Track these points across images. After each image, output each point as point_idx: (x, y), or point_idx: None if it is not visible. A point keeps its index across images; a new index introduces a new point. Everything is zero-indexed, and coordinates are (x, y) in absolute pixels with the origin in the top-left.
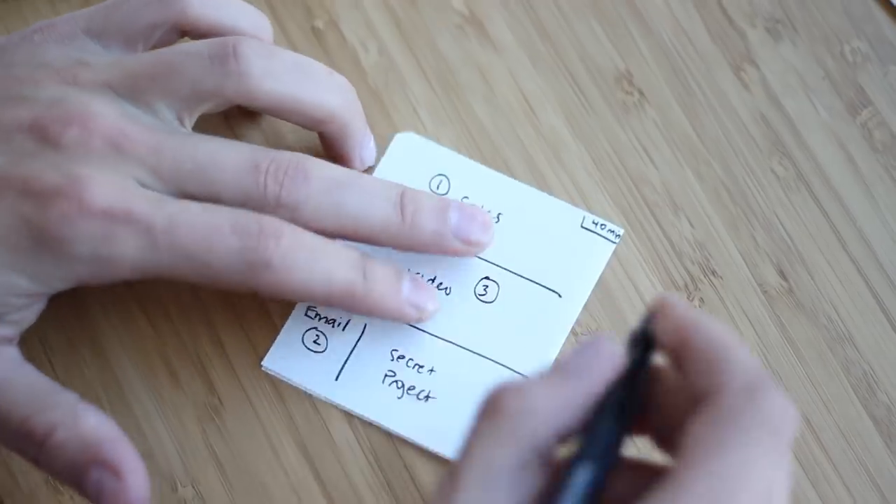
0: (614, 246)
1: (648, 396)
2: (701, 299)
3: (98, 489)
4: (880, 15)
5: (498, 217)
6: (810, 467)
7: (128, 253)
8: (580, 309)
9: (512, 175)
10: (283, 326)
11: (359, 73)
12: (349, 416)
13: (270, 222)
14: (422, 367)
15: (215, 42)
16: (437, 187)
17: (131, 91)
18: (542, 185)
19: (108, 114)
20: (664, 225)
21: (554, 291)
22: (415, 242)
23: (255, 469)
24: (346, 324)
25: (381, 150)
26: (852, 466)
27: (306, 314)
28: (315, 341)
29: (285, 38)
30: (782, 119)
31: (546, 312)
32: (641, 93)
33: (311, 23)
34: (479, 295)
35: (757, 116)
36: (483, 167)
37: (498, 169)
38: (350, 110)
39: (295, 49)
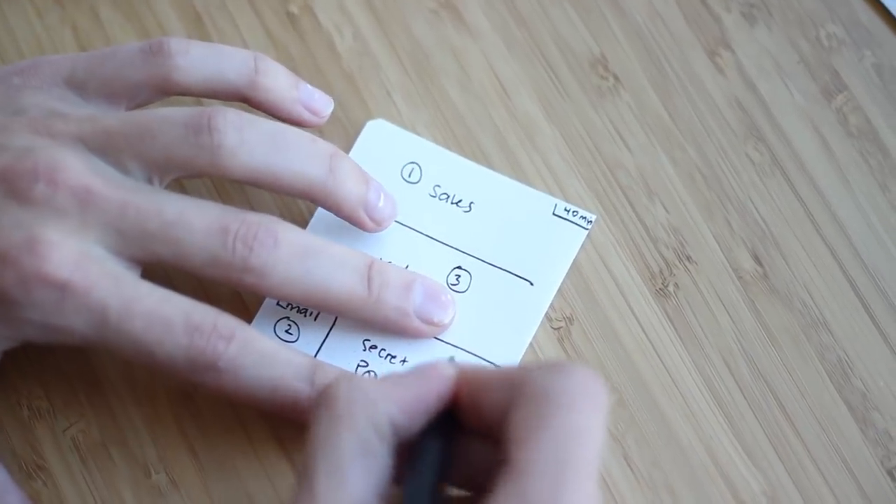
0: (586, 232)
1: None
2: (676, 284)
3: None
4: (855, 0)
5: (470, 206)
6: (785, 454)
7: (77, 327)
8: (552, 296)
9: (486, 160)
10: (255, 315)
11: (333, 58)
12: None
13: (225, 322)
14: (394, 357)
15: (193, 111)
16: (409, 175)
17: (104, 148)
18: (516, 169)
19: (76, 168)
20: (639, 210)
21: (526, 280)
22: (377, 317)
23: (229, 455)
24: (318, 313)
25: (353, 137)
26: (827, 453)
27: (278, 303)
28: (287, 331)
29: (260, 22)
30: (757, 103)
31: (518, 301)
32: (616, 77)
33: (286, 8)
34: (452, 284)
35: (732, 101)
36: (455, 155)
37: (472, 154)
38: (335, 179)
39: (269, 34)
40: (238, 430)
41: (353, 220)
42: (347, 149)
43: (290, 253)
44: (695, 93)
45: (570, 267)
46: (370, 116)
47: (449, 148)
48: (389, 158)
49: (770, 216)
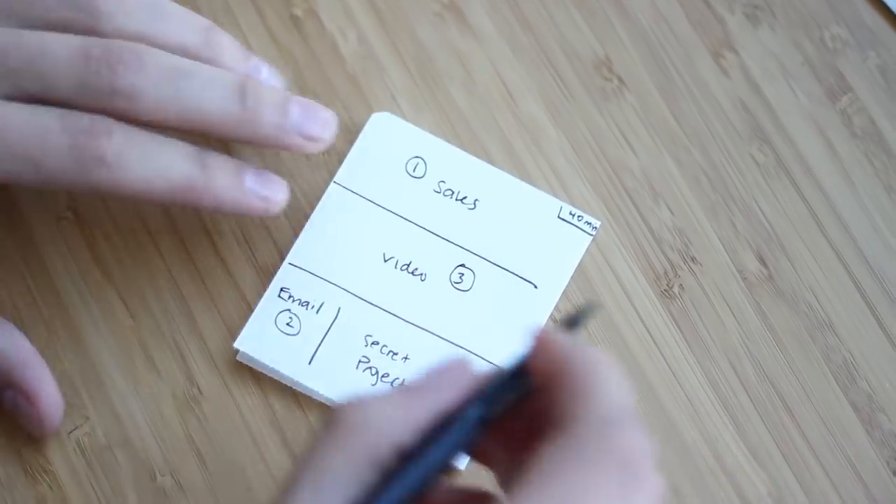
0: (591, 238)
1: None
2: (681, 286)
3: (13, 407)
4: (859, 1)
5: (475, 203)
6: (791, 455)
7: None
8: (556, 300)
9: (490, 163)
10: (254, 307)
11: (337, 61)
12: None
13: (101, 120)
14: (396, 353)
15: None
16: (414, 169)
17: None
18: (521, 172)
19: None
20: (644, 211)
21: (529, 282)
22: (255, 135)
23: (235, 457)
24: (321, 307)
25: (358, 130)
26: (833, 454)
27: (279, 295)
28: (288, 323)
29: (264, 25)
30: (762, 105)
31: (521, 303)
32: (621, 79)
33: (290, 10)
34: (455, 283)
35: (736, 102)
36: (461, 151)
37: (476, 156)
38: (210, 49)
39: (273, 37)
40: (244, 433)
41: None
42: (352, 143)
43: (158, 74)
44: (699, 95)
45: (574, 274)
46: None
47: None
48: (394, 152)
49: (775, 218)
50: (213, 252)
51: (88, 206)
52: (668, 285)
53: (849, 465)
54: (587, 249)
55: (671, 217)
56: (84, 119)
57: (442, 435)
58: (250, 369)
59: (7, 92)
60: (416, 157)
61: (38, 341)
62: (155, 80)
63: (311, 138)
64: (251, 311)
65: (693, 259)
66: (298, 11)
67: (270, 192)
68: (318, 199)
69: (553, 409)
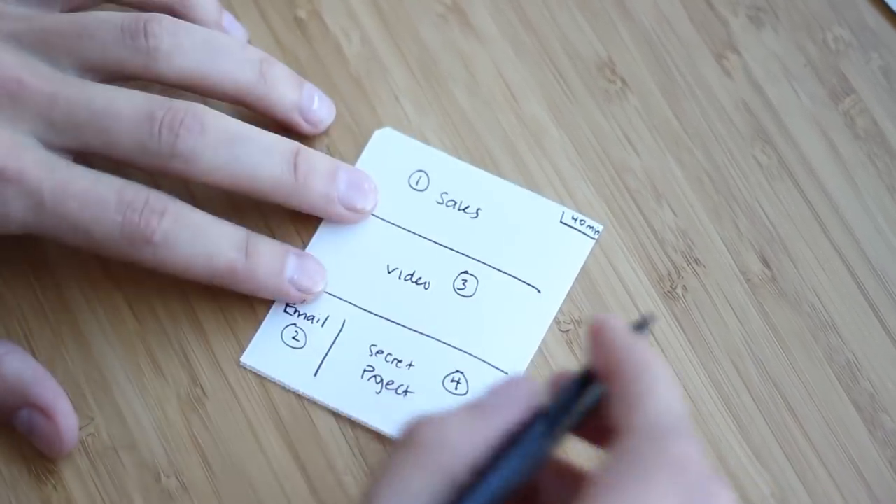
0: (594, 242)
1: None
2: (684, 287)
3: (29, 427)
4: (862, 2)
5: (477, 212)
6: (794, 455)
7: (14, 213)
8: (559, 304)
9: (494, 165)
10: (262, 321)
11: (341, 63)
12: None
13: (157, 198)
14: (401, 361)
15: (130, 15)
16: (417, 183)
17: (38, 46)
18: (525, 174)
19: (6, 62)
20: (647, 213)
21: (533, 286)
22: (303, 202)
23: (239, 460)
24: (326, 320)
25: (361, 142)
26: (835, 454)
27: (285, 310)
28: (294, 337)
29: (267, 27)
30: (764, 106)
31: (525, 308)
32: (624, 81)
33: (294, 13)
34: (458, 289)
35: (739, 104)
36: (462, 162)
37: (480, 159)
38: (265, 83)
39: (277, 39)
40: (248, 435)
41: (289, 123)
42: (356, 156)
43: (216, 138)
44: (702, 96)
45: (577, 275)
46: (378, 121)
47: (457, 153)
48: (397, 167)
49: (778, 219)
50: None
51: None
52: (671, 286)
53: (851, 464)
54: (590, 252)
55: (674, 218)
56: (141, 196)
57: (511, 453)
58: (253, 370)
59: (69, 144)
60: (419, 170)
61: (43, 343)
62: (213, 144)
63: (353, 209)
64: (256, 314)
65: (696, 260)
66: (302, 13)
67: (309, 283)
68: (321, 218)
69: (612, 414)
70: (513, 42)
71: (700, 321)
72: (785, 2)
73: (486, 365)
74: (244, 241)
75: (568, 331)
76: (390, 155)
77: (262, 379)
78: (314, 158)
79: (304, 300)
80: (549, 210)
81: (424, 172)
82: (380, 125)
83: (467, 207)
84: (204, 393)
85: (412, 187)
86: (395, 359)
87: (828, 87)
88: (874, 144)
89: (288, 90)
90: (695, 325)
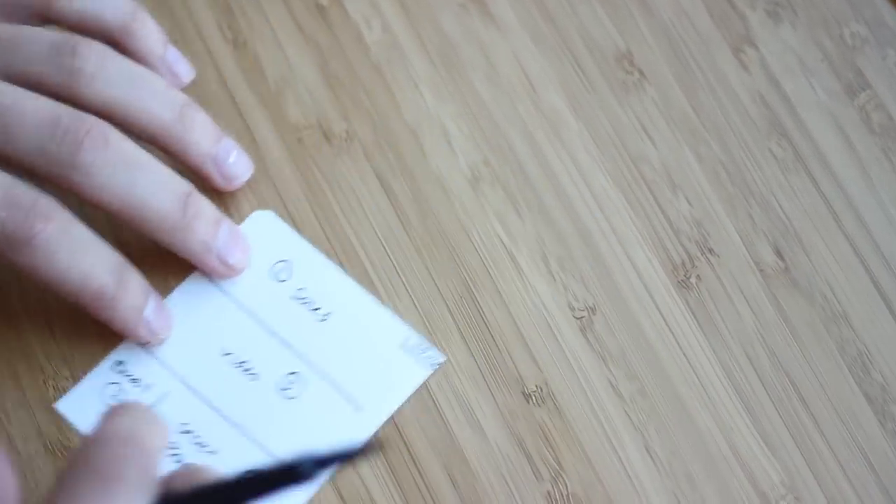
0: (429, 373)
1: None
2: (698, 277)
3: None
4: None
5: (326, 316)
6: (804, 444)
7: None
8: (376, 427)
9: (512, 153)
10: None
11: (362, 50)
12: None
13: (47, 202)
14: (205, 447)
15: (63, 35)
16: (278, 272)
17: None
18: (542, 162)
19: None
20: (662, 203)
21: (356, 404)
22: (183, 245)
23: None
24: (149, 387)
25: (381, 134)
26: (846, 444)
27: (114, 367)
28: (113, 395)
29: (289, 13)
30: (781, 100)
31: (342, 422)
32: (642, 73)
33: (316, 0)
34: (283, 389)
35: (756, 97)
36: (330, 263)
37: (498, 145)
38: (183, 126)
39: (298, 26)
40: None
41: (202, 172)
42: (377, 148)
43: (117, 158)
44: (719, 89)
45: (592, 258)
46: (397, 107)
47: (475, 143)
48: (265, 251)
49: (792, 211)
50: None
51: None
52: (685, 276)
53: (861, 455)
54: (606, 238)
55: (689, 209)
56: (29, 196)
57: None
58: None
59: None
60: (284, 260)
61: (61, 320)
62: (113, 163)
63: (226, 265)
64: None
65: (710, 250)
66: (324, 0)
67: (160, 329)
68: (182, 280)
69: None
70: (532, 32)
71: (713, 311)
72: None
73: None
74: (119, 268)
75: (582, 318)
76: (263, 238)
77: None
78: (203, 204)
79: (150, 343)
80: (395, 331)
81: (289, 264)
82: (399, 113)
83: (318, 309)
84: None
85: (273, 276)
86: (199, 442)
87: (844, 82)
88: (889, 140)
89: (205, 138)
90: (708, 314)
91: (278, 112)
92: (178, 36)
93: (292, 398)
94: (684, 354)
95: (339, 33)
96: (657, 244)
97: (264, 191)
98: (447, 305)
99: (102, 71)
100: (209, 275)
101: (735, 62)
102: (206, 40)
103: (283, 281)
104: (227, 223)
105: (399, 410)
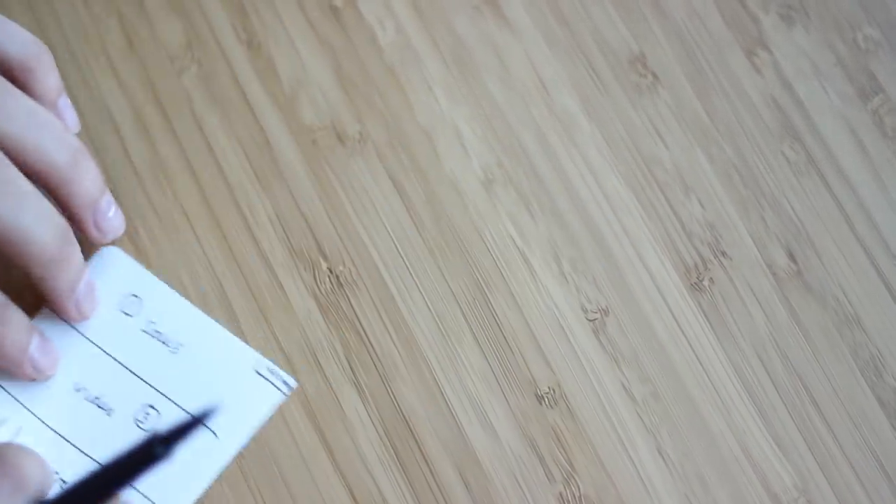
0: (283, 396)
1: None
2: (711, 279)
3: None
4: (892, 2)
5: (178, 347)
6: (817, 447)
7: None
8: (234, 451)
9: (525, 154)
10: None
11: (375, 52)
12: (359, 388)
13: None
14: (66, 483)
15: None
16: (128, 307)
17: None
18: (555, 164)
19: None
20: (675, 205)
21: (212, 430)
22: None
23: (265, 438)
24: (2, 422)
25: (395, 136)
26: (858, 448)
27: None
28: None
29: (303, 15)
30: (794, 103)
31: (199, 450)
32: (655, 75)
33: (330, 1)
34: (139, 421)
35: (769, 100)
36: (179, 297)
37: (511, 146)
38: (76, 171)
39: (312, 27)
40: (275, 415)
41: (80, 221)
42: (388, 143)
43: (4, 185)
44: (732, 92)
45: (605, 260)
46: (410, 109)
47: (489, 144)
48: (113, 286)
49: (805, 214)
50: (248, 234)
51: (125, 186)
52: (698, 278)
53: (873, 458)
54: (617, 238)
55: (702, 211)
56: None
57: None
58: (283, 351)
59: None
60: (134, 295)
61: None
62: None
63: (80, 312)
64: None
65: (723, 253)
66: (338, 2)
67: (46, 367)
68: (32, 316)
69: None
70: (546, 35)
71: (726, 313)
72: (816, 1)
73: (149, 502)
74: (3, 306)
75: (594, 320)
76: (109, 273)
77: (291, 360)
78: (76, 244)
79: (35, 379)
80: (247, 358)
81: (139, 298)
82: (412, 114)
83: (169, 341)
84: None
85: (121, 310)
86: (60, 478)
87: (857, 86)
88: None
89: (93, 187)
90: (720, 317)
91: (292, 113)
92: (193, 37)
93: (149, 430)
94: (697, 357)
95: (352, 35)
96: (670, 246)
97: (277, 192)
98: (460, 307)
99: (2, 105)
100: (61, 316)
101: (748, 65)
102: (220, 41)
103: (132, 315)
104: (87, 278)
105: (413, 409)
